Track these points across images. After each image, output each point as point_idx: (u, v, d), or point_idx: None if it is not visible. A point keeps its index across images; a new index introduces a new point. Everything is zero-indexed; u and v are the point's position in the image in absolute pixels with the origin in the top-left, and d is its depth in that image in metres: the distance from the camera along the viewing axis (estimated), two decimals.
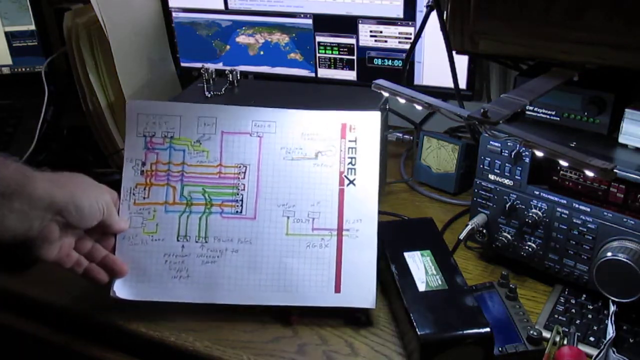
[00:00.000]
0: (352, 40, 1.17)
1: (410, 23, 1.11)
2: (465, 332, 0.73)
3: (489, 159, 0.88)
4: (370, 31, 1.15)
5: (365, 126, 0.88)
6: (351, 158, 0.87)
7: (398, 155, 1.27)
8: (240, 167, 0.87)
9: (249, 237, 0.85)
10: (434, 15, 0.97)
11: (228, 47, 1.28)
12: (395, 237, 0.86)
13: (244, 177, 0.87)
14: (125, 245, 0.85)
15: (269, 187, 0.87)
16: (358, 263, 0.83)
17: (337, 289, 0.83)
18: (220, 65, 1.28)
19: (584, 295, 0.84)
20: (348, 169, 0.87)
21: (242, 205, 0.86)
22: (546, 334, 0.78)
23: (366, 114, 0.89)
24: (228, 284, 0.84)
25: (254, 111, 0.89)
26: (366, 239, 0.84)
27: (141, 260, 0.85)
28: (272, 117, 0.89)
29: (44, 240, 0.75)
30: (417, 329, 0.72)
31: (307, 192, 0.86)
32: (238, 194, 0.87)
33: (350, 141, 0.87)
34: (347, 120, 0.88)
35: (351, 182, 0.86)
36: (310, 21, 1.18)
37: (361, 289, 0.82)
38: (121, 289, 0.84)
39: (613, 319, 0.76)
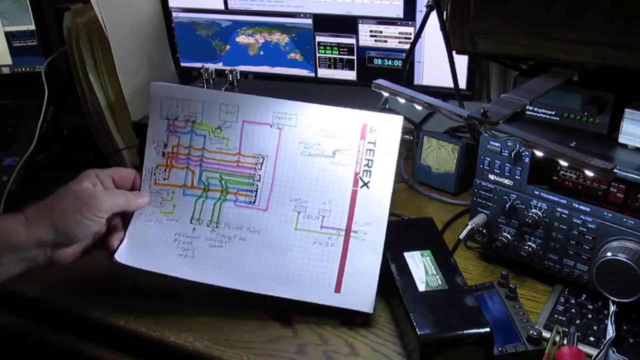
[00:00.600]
0: (352, 40, 1.17)
1: (410, 23, 1.11)
2: (465, 332, 0.73)
3: (489, 159, 0.88)
4: (370, 31, 1.15)
5: (386, 129, 0.87)
6: (368, 160, 0.86)
7: (398, 155, 1.26)
8: (258, 157, 0.88)
9: (258, 227, 0.86)
10: (434, 15, 0.97)
11: (228, 47, 1.28)
12: (395, 237, 0.86)
13: (260, 168, 0.88)
14: (140, 219, 0.87)
15: (284, 180, 0.87)
16: (361, 266, 0.83)
17: (338, 289, 0.83)
18: (220, 65, 1.28)
19: (584, 295, 0.84)
20: (364, 170, 0.86)
21: (255, 196, 0.87)
22: (546, 334, 0.77)
23: (389, 116, 0.88)
24: (230, 269, 0.84)
25: (276, 103, 0.89)
26: (373, 243, 0.84)
27: (151, 234, 0.86)
28: (293, 110, 0.89)
29: (51, 265, 0.78)
30: (417, 329, 0.72)
31: (321, 189, 0.86)
32: (253, 184, 0.87)
33: (369, 142, 0.87)
34: (369, 121, 0.88)
35: (365, 184, 0.86)
36: (310, 21, 1.18)
37: (361, 292, 0.82)
38: (123, 255, 0.84)
39: (613, 319, 0.76)
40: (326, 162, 0.87)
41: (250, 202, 0.87)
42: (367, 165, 0.86)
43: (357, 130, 0.87)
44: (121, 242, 0.84)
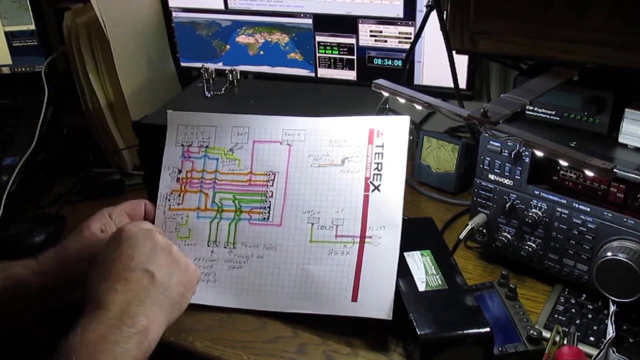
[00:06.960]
0: (352, 40, 1.17)
1: (410, 23, 1.11)
2: (465, 331, 0.73)
3: (489, 159, 0.88)
4: (370, 31, 1.15)
5: (393, 131, 0.87)
6: (377, 164, 0.86)
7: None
8: (269, 174, 0.89)
9: (274, 243, 0.86)
10: (434, 15, 0.97)
11: (228, 46, 1.28)
12: None
13: (272, 185, 0.88)
14: None
15: (296, 194, 0.87)
16: (377, 272, 0.81)
17: (354, 298, 0.81)
18: (220, 65, 1.28)
19: (584, 295, 0.84)
20: (374, 174, 0.86)
21: (269, 212, 0.87)
22: (546, 334, 0.77)
23: (395, 118, 0.88)
24: (252, 289, 0.85)
25: (285, 120, 0.91)
26: (388, 247, 0.82)
27: None
28: (302, 125, 0.90)
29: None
30: (417, 329, 0.72)
31: (332, 198, 0.86)
32: (266, 201, 0.88)
33: (377, 146, 0.87)
34: (375, 125, 0.88)
35: (376, 187, 0.85)
36: (310, 21, 1.18)
37: (378, 299, 0.80)
38: None
39: (613, 318, 0.76)
40: (336, 170, 0.87)
41: (264, 219, 0.87)
42: (377, 168, 0.86)
43: (365, 136, 0.88)
44: None
